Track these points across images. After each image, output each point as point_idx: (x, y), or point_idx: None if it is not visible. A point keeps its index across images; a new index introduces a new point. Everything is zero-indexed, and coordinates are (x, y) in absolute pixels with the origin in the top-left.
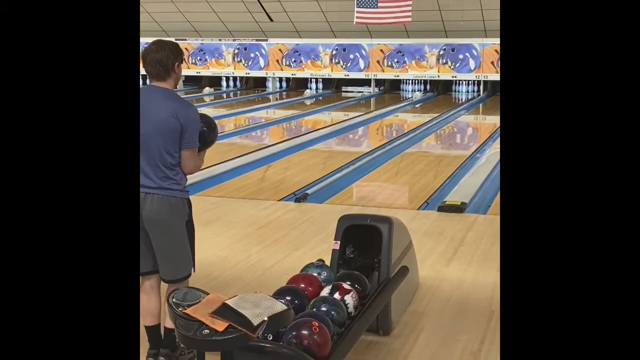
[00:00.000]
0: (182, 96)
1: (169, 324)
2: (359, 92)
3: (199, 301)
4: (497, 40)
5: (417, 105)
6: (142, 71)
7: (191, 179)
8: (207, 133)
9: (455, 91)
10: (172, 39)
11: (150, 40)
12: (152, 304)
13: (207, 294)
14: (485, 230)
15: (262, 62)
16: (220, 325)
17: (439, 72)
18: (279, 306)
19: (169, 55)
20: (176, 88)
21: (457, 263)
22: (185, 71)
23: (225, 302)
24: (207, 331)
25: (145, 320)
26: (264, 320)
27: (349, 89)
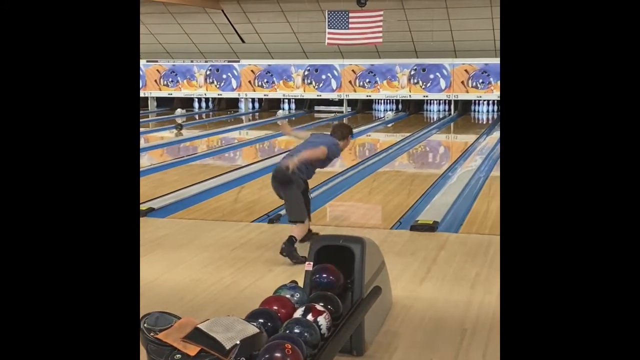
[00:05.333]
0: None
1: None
2: (332, 112)
3: (171, 326)
4: (467, 61)
5: (389, 125)
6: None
7: (163, 201)
8: None
9: (426, 110)
10: (144, 61)
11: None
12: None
13: (179, 318)
14: (457, 249)
15: (234, 83)
16: (192, 349)
17: (410, 91)
18: (251, 329)
19: (344, 133)
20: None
21: (430, 282)
22: (157, 93)
23: (197, 326)
24: (179, 356)
25: None
26: (236, 344)
27: (322, 108)
